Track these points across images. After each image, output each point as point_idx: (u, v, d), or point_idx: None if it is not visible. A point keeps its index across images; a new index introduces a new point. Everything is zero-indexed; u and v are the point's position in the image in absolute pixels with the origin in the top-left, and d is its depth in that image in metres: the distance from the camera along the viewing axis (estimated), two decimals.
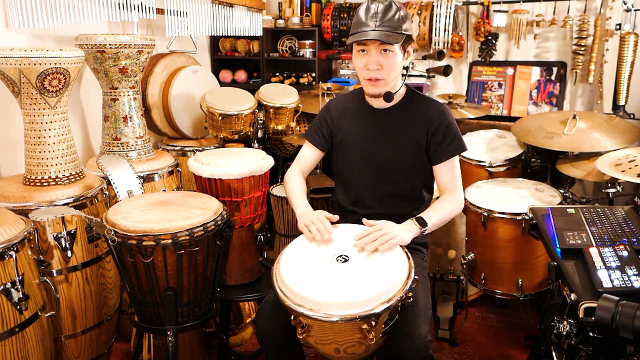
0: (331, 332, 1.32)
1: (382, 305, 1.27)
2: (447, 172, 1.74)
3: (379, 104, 1.75)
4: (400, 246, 1.49)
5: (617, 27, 3.11)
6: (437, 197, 2.05)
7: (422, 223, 1.59)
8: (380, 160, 1.75)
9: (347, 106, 1.85)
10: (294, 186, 1.80)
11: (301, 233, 1.59)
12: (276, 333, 1.53)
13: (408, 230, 1.56)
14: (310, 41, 3.77)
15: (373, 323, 1.26)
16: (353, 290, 1.30)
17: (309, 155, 1.89)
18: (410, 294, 1.36)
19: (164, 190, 2.30)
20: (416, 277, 1.38)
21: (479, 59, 3.56)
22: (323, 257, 1.43)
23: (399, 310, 1.38)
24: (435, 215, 1.65)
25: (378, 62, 1.62)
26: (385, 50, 1.61)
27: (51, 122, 1.85)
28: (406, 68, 1.73)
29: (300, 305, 1.29)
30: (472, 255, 2.34)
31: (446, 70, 3.12)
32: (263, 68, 3.86)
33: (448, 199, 1.72)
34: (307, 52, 3.78)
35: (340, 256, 1.43)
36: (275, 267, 1.45)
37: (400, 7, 1.62)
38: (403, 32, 1.60)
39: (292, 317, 1.34)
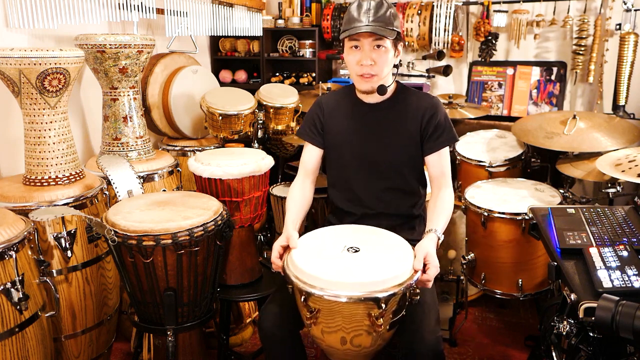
0: (340, 317, 1.32)
1: (393, 288, 1.29)
2: (438, 163, 1.72)
3: (370, 99, 1.75)
4: (409, 243, 1.50)
5: (617, 27, 3.11)
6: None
7: (438, 236, 1.54)
8: (374, 157, 1.74)
9: (338, 103, 1.83)
10: (289, 205, 1.75)
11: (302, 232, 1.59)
12: (278, 333, 1.53)
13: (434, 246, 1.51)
14: (310, 41, 3.77)
15: (383, 305, 1.27)
16: (364, 273, 1.33)
17: (310, 155, 1.84)
18: (418, 290, 1.37)
19: (164, 190, 2.30)
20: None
21: (479, 59, 3.56)
22: (334, 247, 1.47)
23: (407, 305, 1.39)
24: (443, 219, 1.61)
25: (371, 57, 1.62)
26: (378, 46, 1.61)
27: (51, 122, 1.85)
28: (396, 66, 1.74)
29: (311, 285, 1.31)
30: (472, 255, 2.34)
31: (446, 70, 3.13)
32: (263, 68, 3.86)
33: (443, 196, 1.67)
34: (307, 52, 3.78)
35: (351, 247, 1.45)
36: (285, 255, 1.49)
37: (390, 5, 1.63)
38: (395, 28, 1.62)
39: (301, 299, 1.34)
